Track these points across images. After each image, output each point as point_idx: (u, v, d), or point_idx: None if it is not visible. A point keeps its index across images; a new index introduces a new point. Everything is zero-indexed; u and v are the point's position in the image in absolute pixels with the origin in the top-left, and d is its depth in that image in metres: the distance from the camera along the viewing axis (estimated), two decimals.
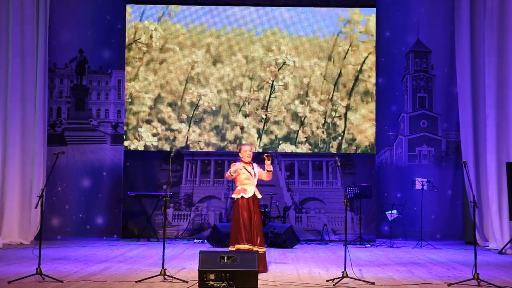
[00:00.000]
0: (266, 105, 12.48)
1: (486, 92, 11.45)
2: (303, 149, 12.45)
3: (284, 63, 12.51)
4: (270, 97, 12.48)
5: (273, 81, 12.50)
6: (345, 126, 12.47)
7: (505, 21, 11.29)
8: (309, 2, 12.56)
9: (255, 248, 7.91)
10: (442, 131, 12.77)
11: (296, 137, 12.47)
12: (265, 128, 12.48)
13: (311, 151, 12.48)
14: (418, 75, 12.85)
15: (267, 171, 8.16)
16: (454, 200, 12.60)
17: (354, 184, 11.85)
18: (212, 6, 12.57)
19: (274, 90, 12.50)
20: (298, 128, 12.47)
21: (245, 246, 7.91)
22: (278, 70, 12.51)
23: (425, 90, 12.84)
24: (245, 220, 8.01)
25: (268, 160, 8.09)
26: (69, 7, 12.57)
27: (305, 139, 12.46)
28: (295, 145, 12.45)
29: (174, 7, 12.50)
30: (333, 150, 12.44)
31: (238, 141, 12.38)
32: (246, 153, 8.14)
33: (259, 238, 8.03)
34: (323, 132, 12.47)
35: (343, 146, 12.45)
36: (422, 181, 11.73)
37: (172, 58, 12.50)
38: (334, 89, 12.50)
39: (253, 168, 8.18)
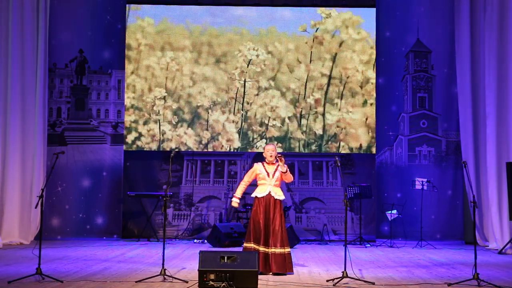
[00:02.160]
0: (247, 103, 12.47)
1: (486, 92, 11.45)
2: (297, 150, 12.46)
3: (281, 63, 12.50)
4: (249, 94, 12.48)
5: (264, 80, 12.50)
6: (345, 127, 12.48)
7: (505, 21, 11.29)
8: (309, 2, 12.56)
9: (271, 250, 7.91)
10: (442, 131, 12.77)
11: (282, 135, 12.47)
12: (258, 128, 12.47)
13: (306, 151, 12.48)
14: (418, 75, 12.85)
15: (281, 172, 8.15)
16: (454, 200, 12.61)
17: (354, 184, 11.85)
18: (212, 6, 12.57)
19: (271, 89, 12.48)
20: (289, 128, 12.47)
21: (250, 245, 7.95)
22: (274, 69, 12.50)
23: (425, 90, 12.85)
24: (255, 219, 8.04)
25: (281, 161, 8.09)
26: (69, 7, 12.57)
27: (299, 139, 12.47)
28: (287, 144, 12.45)
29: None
30: (327, 150, 12.42)
31: (232, 140, 12.38)
32: (268, 152, 8.16)
33: (272, 239, 7.94)
34: (315, 132, 12.47)
35: (336, 146, 12.44)
36: (422, 181, 11.73)
37: (168, 58, 12.49)
38: (329, 88, 12.50)
39: (276, 169, 8.15)
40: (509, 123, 11.19)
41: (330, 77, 12.49)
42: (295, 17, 12.56)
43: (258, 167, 8.23)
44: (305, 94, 12.49)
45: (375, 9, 12.55)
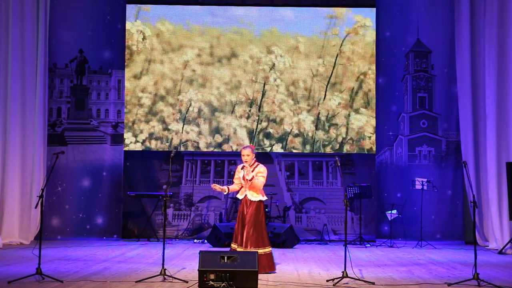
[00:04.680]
0: (260, 105, 12.47)
1: (486, 92, 11.46)
2: (299, 149, 12.45)
3: (282, 63, 12.50)
4: (263, 96, 12.47)
5: (264, 81, 12.50)
6: (345, 127, 12.47)
7: (505, 21, 11.30)
8: (309, 2, 12.56)
9: (245, 250, 7.88)
10: (442, 131, 12.77)
11: (288, 137, 12.47)
12: (259, 128, 12.46)
13: (306, 152, 12.47)
14: (418, 75, 12.85)
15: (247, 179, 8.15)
16: (454, 200, 12.61)
17: (354, 184, 11.85)
18: (212, 6, 12.56)
19: (271, 89, 12.49)
20: (293, 129, 12.46)
21: (232, 245, 8.09)
22: (274, 69, 12.50)
23: (425, 90, 12.85)
24: (237, 220, 8.16)
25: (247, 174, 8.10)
26: (69, 7, 12.57)
27: (300, 139, 12.46)
28: (288, 146, 12.44)
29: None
30: (328, 150, 12.43)
31: (231, 141, 12.38)
32: (243, 157, 8.13)
33: (248, 239, 7.91)
34: (317, 133, 12.47)
35: (339, 146, 12.44)
36: (422, 181, 11.72)
37: (169, 58, 12.49)
38: (329, 88, 12.50)
39: (252, 171, 8.07)
40: (509, 123, 11.19)
41: (354, 80, 12.50)
42: (296, 17, 12.55)
43: (238, 169, 8.25)
44: (313, 95, 12.48)
45: (375, 9, 12.55)
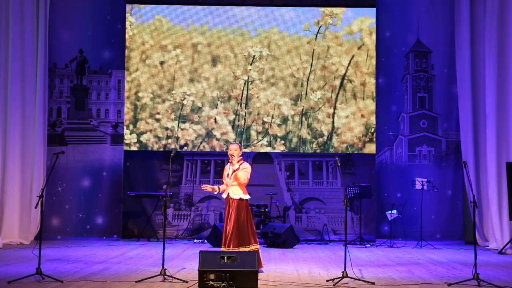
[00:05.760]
0: (251, 103, 12.49)
1: (486, 92, 11.46)
2: (295, 148, 12.47)
3: (282, 63, 12.50)
4: (246, 93, 12.48)
5: (265, 80, 12.51)
6: (345, 126, 12.48)
7: (505, 21, 11.30)
8: (309, 2, 12.56)
9: (228, 250, 7.80)
10: (442, 131, 12.77)
11: (271, 134, 12.48)
12: (251, 126, 12.46)
13: (300, 151, 12.47)
14: (418, 75, 12.85)
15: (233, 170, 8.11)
16: (454, 200, 12.61)
17: (354, 184, 11.84)
18: (212, 6, 12.56)
19: (270, 89, 12.49)
20: (286, 127, 12.46)
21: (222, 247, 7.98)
22: (275, 69, 12.50)
23: (425, 90, 12.85)
24: (224, 220, 8.08)
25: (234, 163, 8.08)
26: (69, 7, 12.57)
27: (298, 139, 12.47)
28: (281, 144, 12.45)
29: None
30: (320, 150, 12.43)
31: (225, 139, 12.39)
32: (230, 151, 8.10)
33: (229, 238, 7.86)
34: (308, 132, 12.47)
35: (332, 145, 12.44)
36: (422, 181, 11.72)
37: (168, 57, 12.50)
38: (329, 88, 12.50)
39: (236, 170, 8.03)
40: (509, 123, 11.19)
41: (339, 77, 12.50)
42: (296, 17, 12.56)
43: (225, 167, 8.22)
44: (306, 93, 12.48)
45: (375, 9, 12.55)
